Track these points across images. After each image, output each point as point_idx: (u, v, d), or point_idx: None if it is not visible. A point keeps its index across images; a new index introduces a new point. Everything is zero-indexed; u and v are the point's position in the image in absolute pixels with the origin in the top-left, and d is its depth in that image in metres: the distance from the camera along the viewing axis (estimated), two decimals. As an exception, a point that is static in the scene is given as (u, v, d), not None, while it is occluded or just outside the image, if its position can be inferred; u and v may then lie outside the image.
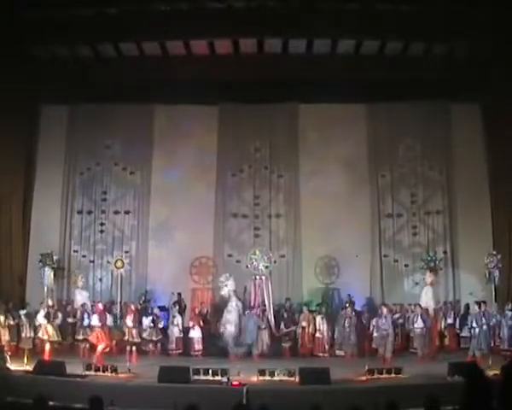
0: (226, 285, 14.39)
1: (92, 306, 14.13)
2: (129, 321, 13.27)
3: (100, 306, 13.62)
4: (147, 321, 13.96)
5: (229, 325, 13.96)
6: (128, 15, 13.35)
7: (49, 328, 12.83)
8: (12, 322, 13.22)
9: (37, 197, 16.30)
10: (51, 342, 12.78)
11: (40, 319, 12.90)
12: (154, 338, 13.96)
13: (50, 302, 13.45)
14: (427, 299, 14.04)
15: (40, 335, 12.78)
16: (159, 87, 15.63)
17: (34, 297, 14.54)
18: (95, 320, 13.14)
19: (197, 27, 13.63)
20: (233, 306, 14.15)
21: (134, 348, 12.99)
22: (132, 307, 13.77)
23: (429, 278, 14.52)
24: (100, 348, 12.61)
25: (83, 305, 14.29)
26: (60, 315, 13.48)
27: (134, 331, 13.21)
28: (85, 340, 13.60)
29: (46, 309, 13.04)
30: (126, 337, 13.17)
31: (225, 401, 6.07)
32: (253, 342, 13.81)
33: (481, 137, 16.12)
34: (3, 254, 15.20)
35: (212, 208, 16.45)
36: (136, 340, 13.22)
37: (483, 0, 12.76)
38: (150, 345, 14.02)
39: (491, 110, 15.69)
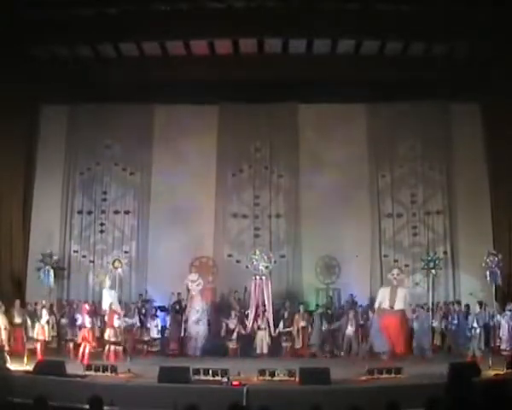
0: (198, 285, 14.44)
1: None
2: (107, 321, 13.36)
3: (86, 306, 13.65)
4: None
5: (196, 324, 14.05)
6: (128, 15, 13.36)
7: (48, 329, 12.91)
8: (16, 321, 13.22)
9: (38, 197, 16.29)
10: (46, 343, 12.81)
11: (44, 321, 12.92)
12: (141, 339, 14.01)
13: (44, 302, 13.42)
14: (403, 301, 13.70)
15: (41, 337, 12.75)
16: (159, 87, 15.63)
17: (34, 297, 14.54)
18: (81, 320, 13.18)
19: (197, 27, 13.63)
20: (201, 306, 14.23)
21: (112, 347, 13.02)
22: (113, 307, 13.81)
23: (399, 278, 14.20)
24: (87, 348, 12.63)
25: (70, 303, 14.65)
26: (44, 314, 13.27)
27: (112, 331, 13.22)
28: (71, 340, 13.72)
29: (33, 309, 13.08)
30: (106, 337, 13.21)
31: (225, 401, 6.06)
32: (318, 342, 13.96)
33: (481, 137, 16.12)
34: (3, 254, 15.19)
35: (212, 208, 16.45)
36: (114, 339, 13.20)
37: (483, 0, 12.76)
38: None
39: (491, 110, 15.68)
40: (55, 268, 15.12)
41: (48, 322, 13.05)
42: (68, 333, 14.01)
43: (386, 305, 13.73)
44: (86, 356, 12.44)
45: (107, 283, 14.28)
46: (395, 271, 14.45)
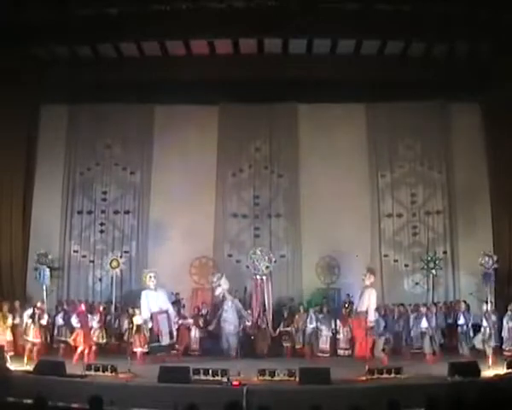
0: (219, 285, 14.38)
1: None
2: (95, 322, 13.35)
3: (82, 307, 13.61)
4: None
5: (227, 324, 13.98)
6: (128, 15, 13.34)
7: (34, 328, 12.85)
8: (16, 321, 13.22)
9: (37, 197, 16.26)
10: (34, 343, 12.80)
11: (25, 318, 12.90)
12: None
13: (39, 303, 13.41)
14: (369, 302, 13.47)
15: (29, 337, 12.76)
16: (159, 87, 15.62)
17: (34, 297, 14.54)
18: (75, 321, 13.11)
19: (197, 27, 13.61)
20: (229, 305, 14.14)
21: (94, 348, 13.00)
22: (101, 307, 13.71)
23: (368, 279, 13.85)
24: (79, 349, 12.65)
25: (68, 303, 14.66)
26: (46, 316, 13.35)
27: (97, 332, 13.26)
28: (64, 341, 13.71)
29: (32, 309, 13.01)
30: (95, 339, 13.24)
31: (225, 402, 6.10)
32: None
33: (481, 137, 16.11)
34: (3, 255, 15.17)
35: (212, 208, 16.45)
36: (100, 341, 13.24)
37: (483, 0, 12.76)
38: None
39: (491, 110, 15.67)
40: (52, 268, 15.11)
41: (32, 321, 12.94)
42: (63, 334, 13.99)
43: (360, 306, 13.70)
44: (87, 356, 12.46)
45: (150, 283, 13.70)
46: (365, 272, 14.15)
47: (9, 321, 13.00)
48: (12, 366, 11.43)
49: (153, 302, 13.50)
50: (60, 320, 14.17)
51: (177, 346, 13.69)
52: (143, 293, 13.61)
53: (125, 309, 14.43)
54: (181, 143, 16.55)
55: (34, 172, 16.34)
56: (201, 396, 8.82)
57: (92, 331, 13.25)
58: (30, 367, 11.22)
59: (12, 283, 15.13)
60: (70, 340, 13.18)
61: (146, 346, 13.03)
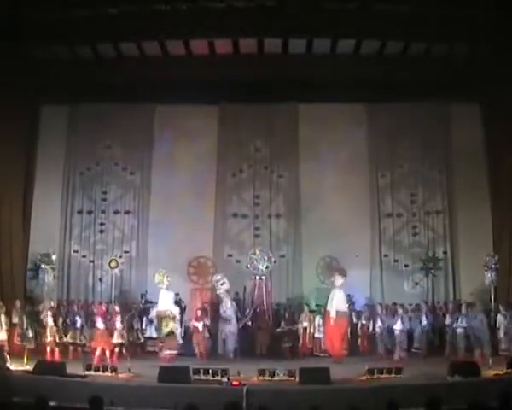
0: (222, 284, 14.34)
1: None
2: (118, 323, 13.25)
3: (103, 307, 13.57)
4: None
5: (226, 324, 13.95)
6: (128, 15, 13.35)
7: (55, 330, 12.90)
8: (16, 321, 13.21)
9: (37, 197, 16.27)
10: (56, 344, 12.84)
11: (49, 321, 12.90)
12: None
13: (52, 303, 13.47)
14: (338, 302, 13.48)
15: (48, 339, 12.76)
16: (159, 87, 15.64)
17: (34, 298, 14.54)
18: (99, 323, 13.07)
19: (197, 27, 13.63)
20: (228, 306, 14.08)
21: (117, 349, 12.97)
22: (116, 308, 13.75)
23: (339, 280, 13.85)
24: (98, 351, 12.61)
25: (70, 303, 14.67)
26: (60, 318, 13.44)
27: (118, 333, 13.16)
28: (73, 343, 13.68)
29: (51, 311, 13.05)
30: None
31: (225, 402, 6.10)
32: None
33: (481, 137, 16.12)
34: (3, 255, 15.15)
35: (212, 208, 16.46)
36: (122, 341, 13.18)
37: (483, 0, 12.77)
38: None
39: (491, 110, 15.68)
40: (54, 268, 15.07)
41: (55, 324, 13.02)
42: (69, 334, 13.98)
43: (328, 307, 13.64)
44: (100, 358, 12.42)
45: (166, 283, 13.63)
46: (335, 273, 14.15)
47: (16, 320, 13.01)
48: (12, 365, 11.41)
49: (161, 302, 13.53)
50: (69, 321, 14.12)
51: (196, 349, 13.67)
52: (162, 292, 13.51)
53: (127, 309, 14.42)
54: (181, 143, 16.59)
55: (34, 172, 16.35)
56: (201, 396, 8.80)
57: (114, 333, 13.16)
58: (30, 367, 11.19)
59: (12, 283, 15.11)
60: (92, 342, 13.13)
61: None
